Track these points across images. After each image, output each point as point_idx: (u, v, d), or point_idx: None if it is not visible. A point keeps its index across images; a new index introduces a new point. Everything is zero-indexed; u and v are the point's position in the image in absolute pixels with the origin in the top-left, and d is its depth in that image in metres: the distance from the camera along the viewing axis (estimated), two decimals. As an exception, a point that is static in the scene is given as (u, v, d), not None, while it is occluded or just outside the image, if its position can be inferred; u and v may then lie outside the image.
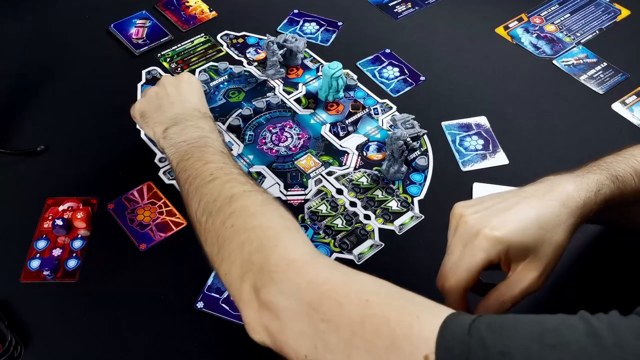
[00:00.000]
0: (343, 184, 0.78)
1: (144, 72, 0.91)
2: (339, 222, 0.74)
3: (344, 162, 0.80)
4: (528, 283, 0.50)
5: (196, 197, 0.57)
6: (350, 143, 0.82)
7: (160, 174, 0.78)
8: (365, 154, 0.81)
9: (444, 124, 0.85)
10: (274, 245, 0.49)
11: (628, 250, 0.71)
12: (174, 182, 0.77)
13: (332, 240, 0.72)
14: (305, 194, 0.77)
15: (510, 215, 0.50)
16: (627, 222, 0.64)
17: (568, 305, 0.67)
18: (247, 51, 0.95)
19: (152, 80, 0.89)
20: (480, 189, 0.77)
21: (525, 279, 0.50)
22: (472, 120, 0.86)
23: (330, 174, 0.79)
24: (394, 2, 1.04)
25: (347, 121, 0.85)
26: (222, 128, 0.84)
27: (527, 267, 0.50)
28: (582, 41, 0.98)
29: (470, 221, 0.51)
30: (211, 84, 0.89)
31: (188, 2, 1.02)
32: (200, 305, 0.66)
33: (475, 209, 0.52)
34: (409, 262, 0.71)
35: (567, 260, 0.71)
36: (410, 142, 0.77)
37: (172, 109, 0.70)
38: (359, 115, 0.86)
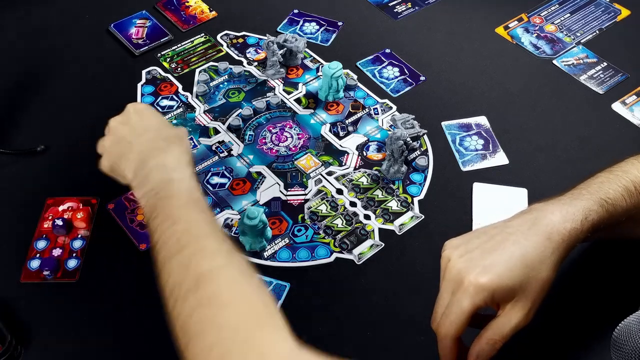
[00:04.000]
0: (343, 184, 0.78)
1: (144, 72, 0.91)
2: (339, 222, 0.74)
3: (344, 162, 0.80)
4: (517, 322, 0.51)
5: (165, 270, 0.51)
6: (350, 143, 0.82)
7: (160, 174, 0.78)
8: (365, 154, 0.81)
9: (444, 124, 0.85)
10: (244, 352, 0.44)
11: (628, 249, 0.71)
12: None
13: (332, 240, 0.72)
14: (305, 194, 0.77)
15: (496, 257, 0.51)
16: (614, 235, 0.64)
17: (569, 305, 0.67)
18: (247, 51, 0.95)
19: (152, 80, 0.89)
20: (480, 189, 0.77)
21: (514, 318, 0.51)
22: (472, 120, 0.86)
23: (330, 174, 0.79)
24: (394, 2, 1.04)
25: (347, 121, 0.85)
26: (222, 128, 0.84)
27: (515, 306, 0.51)
28: (582, 41, 0.98)
29: (457, 266, 0.52)
30: (211, 84, 0.89)
31: (188, 2, 1.02)
32: None
33: (462, 251, 0.52)
34: (409, 262, 0.71)
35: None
36: (410, 142, 0.77)
37: (133, 149, 0.62)
38: (359, 115, 0.86)
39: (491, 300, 0.51)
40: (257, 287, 0.50)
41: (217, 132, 0.83)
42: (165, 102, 0.87)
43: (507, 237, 0.52)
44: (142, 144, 0.62)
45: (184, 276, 0.49)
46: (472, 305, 0.50)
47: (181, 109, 0.86)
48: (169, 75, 0.90)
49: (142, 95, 0.88)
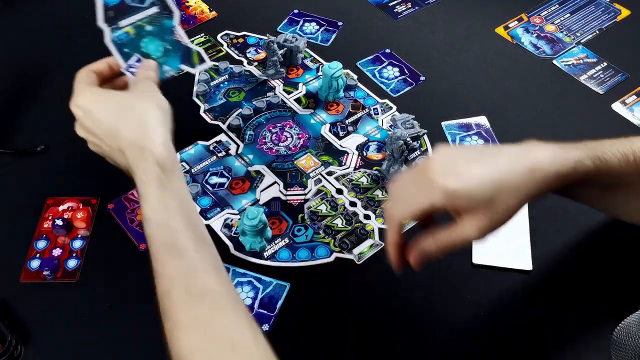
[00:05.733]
0: (343, 184, 0.78)
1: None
2: (338, 222, 0.74)
3: (344, 162, 0.80)
4: (469, 233, 0.51)
5: (163, 313, 0.52)
6: (350, 143, 0.82)
7: (160, 174, 0.78)
8: (365, 154, 0.81)
9: (444, 124, 0.85)
10: None
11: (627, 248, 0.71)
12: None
13: (332, 240, 0.72)
14: (305, 194, 0.77)
15: (473, 169, 0.51)
16: (609, 207, 0.63)
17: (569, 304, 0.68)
18: (247, 51, 0.95)
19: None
20: (480, 189, 0.77)
21: (468, 229, 0.51)
22: (472, 120, 0.85)
23: (330, 173, 0.79)
24: (394, 2, 1.04)
25: (347, 121, 0.85)
26: (223, 128, 0.84)
27: (472, 219, 0.50)
28: (582, 41, 0.98)
29: (436, 165, 0.51)
30: (211, 84, 0.89)
31: (188, 2, 1.02)
32: None
33: (446, 157, 0.52)
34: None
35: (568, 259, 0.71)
36: (410, 142, 0.77)
37: (119, 162, 0.60)
38: (359, 115, 0.86)
39: (452, 206, 0.51)
40: (242, 316, 0.51)
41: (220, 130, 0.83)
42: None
43: (493, 156, 0.52)
44: (121, 156, 0.59)
45: (172, 325, 0.50)
46: (432, 203, 0.50)
47: (156, 8, 0.63)
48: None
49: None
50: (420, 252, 0.53)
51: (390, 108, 0.87)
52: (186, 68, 0.63)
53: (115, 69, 0.62)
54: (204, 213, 0.74)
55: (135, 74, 0.60)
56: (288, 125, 0.84)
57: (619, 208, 0.63)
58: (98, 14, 0.55)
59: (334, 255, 0.71)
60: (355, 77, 0.91)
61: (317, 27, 0.99)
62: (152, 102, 0.59)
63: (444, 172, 0.50)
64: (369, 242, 0.72)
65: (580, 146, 0.56)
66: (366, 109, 0.87)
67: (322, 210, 0.75)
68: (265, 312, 0.66)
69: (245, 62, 0.93)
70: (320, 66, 0.92)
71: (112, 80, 0.64)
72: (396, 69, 0.92)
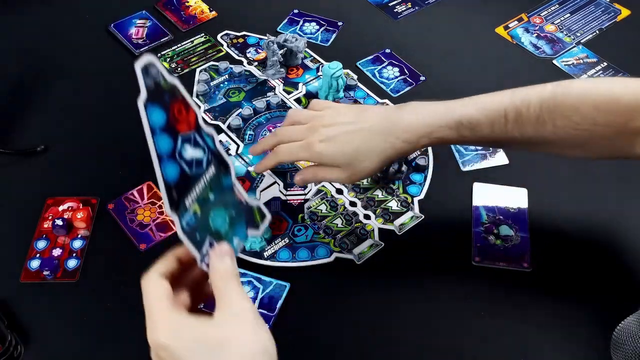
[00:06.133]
0: (343, 184, 0.78)
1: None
2: (338, 222, 0.74)
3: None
4: (335, 177, 0.65)
5: None
6: (350, 143, 0.82)
7: (160, 174, 0.78)
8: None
9: (444, 124, 0.85)
10: None
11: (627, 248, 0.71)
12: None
13: (332, 240, 0.72)
14: (305, 194, 0.77)
15: (342, 137, 0.63)
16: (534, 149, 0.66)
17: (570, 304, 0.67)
18: (247, 51, 0.95)
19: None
20: (480, 189, 0.77)
21: (334, 175, 0.65)
22: (472, 120, 0.85)
23: (330, 174, 0.79)
24: (394, 2, 1.04)
25: (347, 121, 0.85)
26: (223, 128, 0.84)
27: (339, 170, 0.64)
28: (582, 41, 0.98)
29: (319, 132, 0.64)
30: (211, 84, 0.89)
31: (188, 2, 1.02)
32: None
33: (330, 120, 0.65)
34: (409, 262, 0.71)
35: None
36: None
37: None
38: (359, 115, 0.86)
39: (318, 162, 0.65)
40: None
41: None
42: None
43: (358, 128, 0.64)
44: None
45: None
46: (308, 158, 0.65)
47: (213, 168, 0.51)
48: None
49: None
50: (301, 177, 0.67)
51: (390, 108, 0.87)
52: (254, 233, 0.53)
53: (185, 261, 0.49)
54: (204, 213, 0.74)
55: (210, 265, 0.48)
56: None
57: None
58: (164, 201, 0.44)
59: (334, 255, 0.71)
60: (355, 77, 0.91)
61: (317, 27, 0.99)
62: (253, 341, 0.44)
63: (323, 137, 0.64)
64: (369, 242, 0.72)
65: (448, 110, 0.62)
66: (366, 109, 0.87)
67: (322, 210, 0.75)
68: (265, 312, 0.66)
69: (245, 62, 0.93)
70: (320, 66, 0.92)
71: (182, 276, 0.49)
72: (396, 69, 0.92)
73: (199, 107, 0.86)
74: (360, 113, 0.66)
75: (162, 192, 0.44)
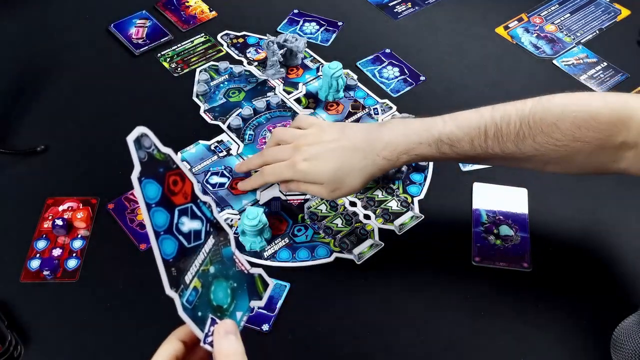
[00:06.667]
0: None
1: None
2: (338, 222, 0.74)
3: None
4: (316, 192, 0.68)
5: None
6: (350, 143, 0.82)
7: (160, 174, 0.78)
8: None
9: (444, 124, 0.85)
10: None
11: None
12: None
13: (332, 240, 0.72)
14: (305, 194, 0.77)
15: (325, 157, 0.66)
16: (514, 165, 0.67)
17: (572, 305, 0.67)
18: (247, 51, 0.95)
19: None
20: (480, 189, 0.77)
21: (316, 190, 0.68)
22: (472, 120, 0.85)
23: (330, 174, 0.79)
24: (394, 2, 1.04)
25: (347, 121, 0.85)
26: (223, 128, 0.84)
27: (321, 187, 0.67)
28: (582, 41, 0.98)
29: (302, 151, 0.67)
30: (211, 84, 0.89)
31: (188, 2, 1.02)
32: None
33: (314, 139, 0.67)
34: (409, 262, 0.71)
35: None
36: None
37: None
38: (359, 115, 0.86)
39: (303, 180, 0.68)
40: None
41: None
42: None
43: (339, 145, 0.66)
44: None
45: None
46: (292, 177, 0.68)
47: (212, 238, 0.49)
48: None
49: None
50: (285, 187, 0.72)
51: (390, 108, 0.87)
52: (256, 304, 0.51)
53: (189, 342, 0.47)
54: (204, 213, 0.74)
55: (215, 345, 0.45)
56: (288, 126, 0.84)
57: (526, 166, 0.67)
58: (164, 281, 0.43)
59: (334, 255, 0.71)
60: (355, 77, 0.91)
61: (317, 27, 0.99)
62: None
63: (307, 156, 0.66)
64: (368, 242, 0.72)
65: (428, 127, 0.64)
66: (366, 109, 0.87)
67: (322, 210, 0.75)
68: (265, 312, 0.66)
69: (245, 62, 0.93)
70: (320, 66, 0.92)
71: (187, 358, 0.47)
72: (396, 69, 0.92)
73: (199, 107, 0.86)
74: (342, 130, 0.68)
75: (161, 271, 0.42)
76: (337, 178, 0.65)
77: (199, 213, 0.46)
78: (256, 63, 0.93)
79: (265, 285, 0.50)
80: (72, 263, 0.69)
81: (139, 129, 0.41)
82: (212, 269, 0.47)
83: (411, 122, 0.65)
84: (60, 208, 0.74)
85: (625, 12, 1.03)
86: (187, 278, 0.45)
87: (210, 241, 0.48)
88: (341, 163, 0.65)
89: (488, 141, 0.61)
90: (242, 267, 0.50)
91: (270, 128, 0.84)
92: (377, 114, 0.86)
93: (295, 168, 0.67)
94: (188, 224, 0.45)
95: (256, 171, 0.75)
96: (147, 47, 0.94)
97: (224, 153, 0.81)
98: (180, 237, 0.44)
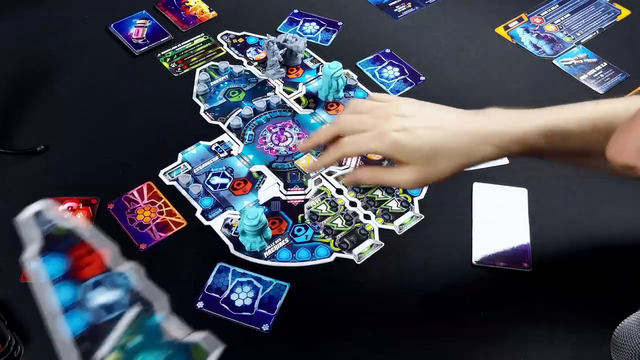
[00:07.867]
0: (343, 184, 0.78)
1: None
2: (338, 222, 0.74)
3: (344, 162, 0.80)
4: (400, 179, 0.58)
5: None
6: (350, 143, 0.82)
7: (161, 174, 0.78)
8: (365, 154, 0.81)
9: (444, 124, 0.85)
10: None
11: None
12: (174, 182, 0.77)
13: (332, 240, 0.72)
14: (305, 194, 0.77)
15: (421, 132, 0.57)
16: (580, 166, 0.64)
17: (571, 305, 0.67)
18: (247, 51, 0.95)
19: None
20: (480, 189, 0.77)
21: (399, 176, 0.58)
22: (472, 120, 0.85)
23: (330, 173, 0.79)
24: (394, 2, 1.04)
25: (347, 121, 0.85)
26: (223, 128, 0.84)
27: (408, 170, 0.57)
28: (582, 41, 0.98)
29: (394, 120, 0.57)
30: (211, 84, 0.89)
31: (188, 2, 1.02)
32: (200, 305, 0.66)
33: (408, 110, 0.58)
34: (409, 262, 0.71)
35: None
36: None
37: None
38: (359, 115, 0.86)
39: (394, 157, 0.57)
40: None
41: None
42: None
43: (439, 124, 0.57)
44: None
45: None
46: (379, 150, 0.57)
47: (137, 306, 0.48)
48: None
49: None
50: (353, 177, 0.61)
51: (390, 108, 0.87)
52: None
53: None
54: (206, 213, 0.74)
55: None
56: (288, 126, 0.84)
57: (592, 167, 0.63)
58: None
59: (334, 255, 0.71)
60: (355, 77, 0.91)
61: (317, 27, 0.99)
62: None
63: (398, 127, 0.57)
64: (369, 242, 0.72)
65: (536, 118, 0.57)
66: (366, 109, 0.87)
67: (322, 210, 0.75)
68: (265, 312, 0.66)
69: (245, 62, 0.93)
70: (320, 66, 0.92)
71: None
72: (396, 69, 0.92)
73: (199, 107, 0.86)
74: (436, 110, 0.60)
75: (61, 352, 0.39)
76: (434, 158, 0.56)
77: (118, 282, 0.43)
78: (256, 63, 0.93)
79: (205, 354, 0.46)
80: (72, 263, 0.69)
81: (40, 203, 0.39)
82: (137, 340, 0.44)
83: (512, 112, 0.59)
84: (60, 208, 0.74)
85: (625, 12, 1.03)
86: (103, 352, 0.43)
87: (134, 310, 0.45)
88: (443, 142, 0.56)
89: (599, 136, 0.55)
90: (176, 336, 0.46)
91: (271, 128, 0.84)
92: (377, 114, 0.86)
93: (385, 139, 0.56)
94: (103, 296, 0.43)
95: (318, 152, 0.68)
96: (147, 47, 0.94)
97: (225, 154, 0.81)
98: (91, 312, 0.42)
